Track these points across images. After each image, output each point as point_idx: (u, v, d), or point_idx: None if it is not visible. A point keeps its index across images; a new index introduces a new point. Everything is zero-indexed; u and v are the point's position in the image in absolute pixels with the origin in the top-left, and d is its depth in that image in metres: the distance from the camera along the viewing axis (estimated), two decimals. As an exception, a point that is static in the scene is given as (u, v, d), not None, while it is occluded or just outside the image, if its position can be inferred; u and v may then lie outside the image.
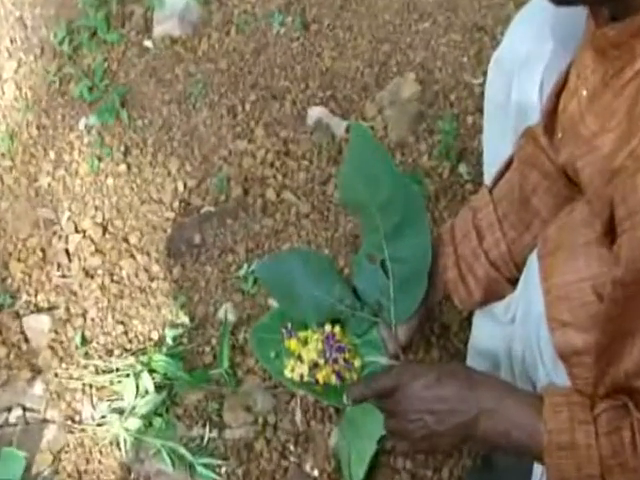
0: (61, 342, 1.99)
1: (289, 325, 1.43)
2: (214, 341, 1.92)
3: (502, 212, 1.36)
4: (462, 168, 2.05)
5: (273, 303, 1.92)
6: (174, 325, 1.95)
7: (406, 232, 1.39)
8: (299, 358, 1.41)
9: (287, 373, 1.41)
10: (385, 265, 1.41)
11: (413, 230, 1.39)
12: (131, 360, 1.90)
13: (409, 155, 2.09)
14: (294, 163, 2.12)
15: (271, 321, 1.48)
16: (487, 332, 1.43)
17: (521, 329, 1.25)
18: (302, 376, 1.40)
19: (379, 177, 1.40)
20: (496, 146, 1.52)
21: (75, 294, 2.04)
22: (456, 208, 1.97)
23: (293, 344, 1.42)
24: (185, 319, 1.95)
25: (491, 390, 1.13)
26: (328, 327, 1.42)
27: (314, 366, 1.39)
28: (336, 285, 1.44)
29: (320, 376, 1.39)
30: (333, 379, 1.39)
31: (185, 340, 1.93)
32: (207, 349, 1.91)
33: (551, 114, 1.26)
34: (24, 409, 1.92)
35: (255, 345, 1.48)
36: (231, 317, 1.92)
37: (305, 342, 1.42)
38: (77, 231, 2.14)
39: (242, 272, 1.99)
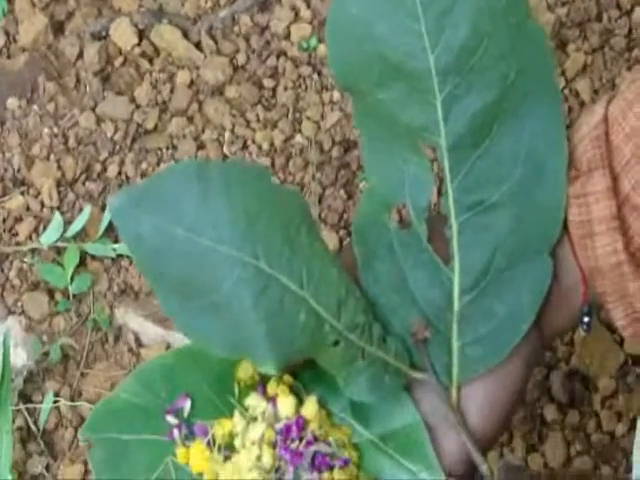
0: None
1: (185, 401, 0.64)
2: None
3: None
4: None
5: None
6: None
7: (511, 128, 0.62)
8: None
9: None
10: (442, 230, 0.64)
11: (527, 127, 0.62)
12: None
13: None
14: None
15: (137, 390, 0.64)
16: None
17: None
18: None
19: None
20: None
21: None
22: (610, 75, 1.02)
23: (198, 452, 0.62)
24: None
25: None
26: (288, 399, 0.63)
27: None
28: (320, 268, 0.62)
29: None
30: None
31: None
32: None
33: None
34: None
35: (94, 463, 0.63)
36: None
37: (231, 444, 0.62)
38: None
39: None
